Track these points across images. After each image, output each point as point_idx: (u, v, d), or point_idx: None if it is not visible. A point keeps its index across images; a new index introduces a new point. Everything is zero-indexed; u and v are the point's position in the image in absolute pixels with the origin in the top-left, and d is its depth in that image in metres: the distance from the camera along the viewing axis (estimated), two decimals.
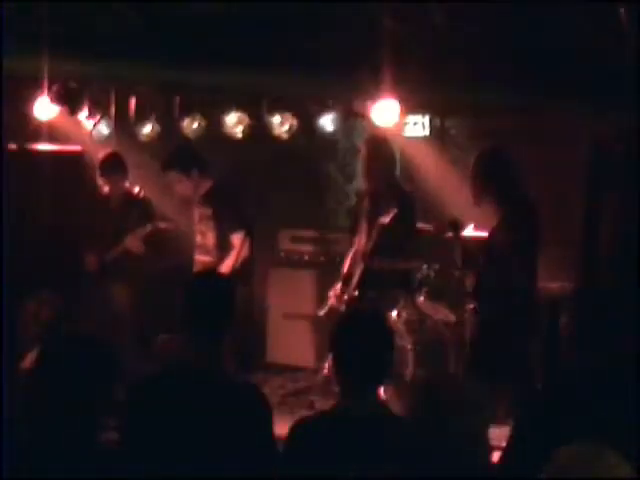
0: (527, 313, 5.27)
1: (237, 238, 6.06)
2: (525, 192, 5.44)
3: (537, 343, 5.57)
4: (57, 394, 2.69)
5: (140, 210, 6.98)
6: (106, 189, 7.09)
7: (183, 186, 6.31)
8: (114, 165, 7.03)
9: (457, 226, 5.44)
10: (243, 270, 6.09)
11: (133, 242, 6.84)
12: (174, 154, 6.41)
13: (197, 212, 6.41)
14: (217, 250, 6.24)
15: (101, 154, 7.11)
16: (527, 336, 5.33)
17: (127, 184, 7.12)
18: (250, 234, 6.04)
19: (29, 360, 4.07)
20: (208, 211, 6.29)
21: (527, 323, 5.29)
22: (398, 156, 6.66)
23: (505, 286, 5.21)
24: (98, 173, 7.04)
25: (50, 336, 3.13)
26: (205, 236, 6.33)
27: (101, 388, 2.74)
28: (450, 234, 5.49)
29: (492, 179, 5.36)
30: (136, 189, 7.15)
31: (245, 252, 6.09)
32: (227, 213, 6.20)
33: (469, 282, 5.51)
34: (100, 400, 2.74)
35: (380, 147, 6.20)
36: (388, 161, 6.20)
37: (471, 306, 6.68)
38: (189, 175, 6.25)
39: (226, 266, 6.05)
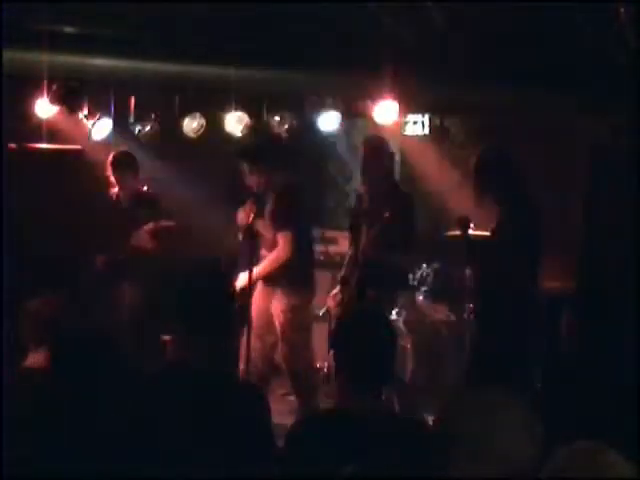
0: (528, 313, 5.26)
1: (282, 237, 6.06)
2: (526, 191, 5.42)
3: (537, 343, 5.57)
4: (74, 393, 2.68)
5: (149, 208, 6.98)
6: (116, 187, 7.09)
7: (253, 179, 6.21)
8: (126, 163, 7.04)
9: (466, 224, 5.41)
10: (295, 273, 6.12)
11: (141, 238, 6.86)
12: (254, 147, 6.30)
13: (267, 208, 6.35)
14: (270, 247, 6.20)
15: (113, 152, 7.10)
16: (528, 336, 5.33)
17: (138, 182, 7.11)
18: (298, 235, 6.05)
19: (34, 359, 4.07)
20: (269, 207, 6.23)
21: (528, 323, 5.28)
22: (397, 156, 6.66)
23: (506, 285, 5.20)
24: (109, 171, 7.04)
25: (63, 335, 3.13)
26: (267, 231, 6.27)
27: (114, 386, 2.74)
28: (458, 232, 5.46)
29: (493, 177, 5.35)
30: (145, 187, 7.15)
31: (286, 253, 6.08)
32: (281, 211, 6.14)
33: (471, 281, 5.50)
34: (114, 398, 2.73)
35: (378, 147, 6.20)
36: (386, 161, 6.20)
37: (471, 305, 6.69)
38: (259, 168, 6.15)
39: (261, 267, 6.10)
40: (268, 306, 6.22)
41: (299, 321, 6.20)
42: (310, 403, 6.21)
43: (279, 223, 6.08)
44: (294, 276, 6.14)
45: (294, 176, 6.35)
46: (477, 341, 5.43)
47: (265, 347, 6.24)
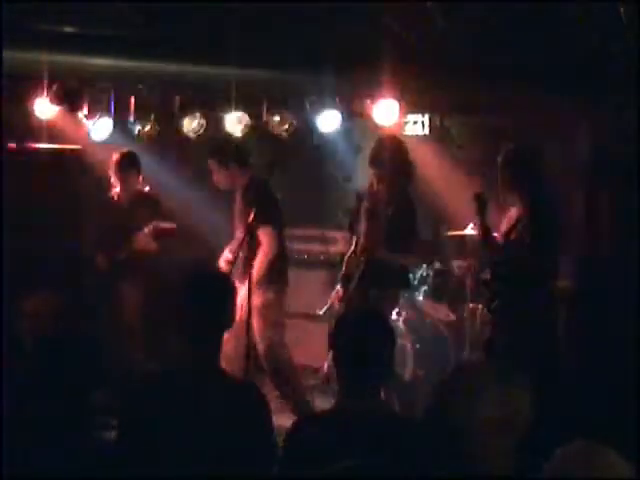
0: (538, 310, 5.25)
1: (263, 234, 6.05)
2: (549, 191, 5.42)
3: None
4: (45, 392, 2.67)
5: (150, 209, 7.01)
6: (118, 187, 7.12)
7: (219, 177, 6.34)
8: (130, 163, 7.08)
9: (483, 200, 5.37)
10: (272, 268, 6.10)
11: (141, 241, 6.88)
12: (214, 144, 6.44)
13: (236, 206, 6.40)
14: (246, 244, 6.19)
15: (117, 152, 7.13)
16: (539, 335, 5.31)
17: (139, 183, 7.16)
18: (279, 230, 6.07)
19: None
20: (241, 205, 6.28)
21: (541, 321, 5.26)
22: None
23: (524, 284, 5.19)
24: (113, 170, 7.07)
25: (37, 336, 3.13)
26: (240, 229, 6.28)
27: (88, 386, 2.71)
28: (475, 207, 5.40)
29: (520, 175, 5.34)
30: (146, 188, 7.19)
31: (274, 249, 6.09)
32: (258, 209, 6.14)
33: (485, 275, 5.49)
34: (90, 398, 2.71)
35: (391, 147, 6.18)
36: (396, 161, 6.17)
37: (471, 305, 6.69)
38: (226, 168, 6.28)
39: (257, 262, 6.05)
40: (243, 303, 6.17)
41: (274, 318, 6.20)
42: (298, 398, 6.19)
43: (260, 220, 5.98)
44: (270, 272, 6.14)
45: (255, 174, 6.38)
46: (490, 337, 5.41)
47: (240, 346, 6.18)
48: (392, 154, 6.10)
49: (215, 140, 6.63)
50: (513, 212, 5.45)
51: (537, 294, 5.20)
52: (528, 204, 5.31)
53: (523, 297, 5.20)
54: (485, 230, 5.41)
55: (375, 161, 6.13)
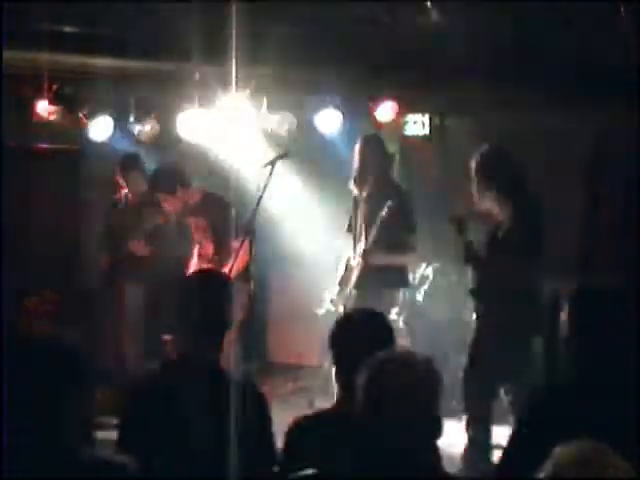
0: (529, 312, 5.25)
1: (235, 244, 6.09)
2: (528, 190, 5.40)
3: (538, 343, 5.56)
4: (16, 397, 2.64)
5: (155, 208, 7.00)
6: (124, 188, 7.11)
7: (171, 204, 6.50)
8: (132, 165, 7.08)
9: (461, 223, 5.37)
10: (243, 272, 6.15)
11: (136, 246, 6.89)
12: (156, 176, 6.54)
13: (193, 222, 6.47)
14: (217, 258, 6.28)
15: (122, 154, 7.16)
16: (529, 336, 5.32)
17: (143, 183, 7.15)
18: (250, 238, 6.10)
19: None
20: (203, 222, 6.36)
21: (529, 322, 5.26)
22: (397, 155, 6.65)
23: (507, 285, 5.18)
24: (118, 171, 7.08)
25: (8, 338, 3.11)
26: (203, 246, 6.40)
27: (65, 391, 2.68)
28: (454, 230, 5.42)
29: (495, 176, 5.30)
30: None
31: (245, 256, 6.12)
32: (221, 222, 6.24)
33: (471, 280, 5.48)
34: (67, 403, 2.67)
35: (374, 146, 6.19)
36: (383, 160, 6.18)
37: (471, 305, 6.69)
38: (174, 194, 6.40)
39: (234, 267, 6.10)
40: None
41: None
42: None
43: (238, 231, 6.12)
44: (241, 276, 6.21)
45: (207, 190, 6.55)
46: (478, 340, 5.41)
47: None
48: (371, 157, 6.11)
49: (154, 172, 6.70)
50: (494, 217, 5.40)
51: (521, 296, 5.18)
52: (507, 209, 5.26)
53: (507, 300, 5.18)
54: (468, 250, 5.36)
55: (360, 170, 6.16)
